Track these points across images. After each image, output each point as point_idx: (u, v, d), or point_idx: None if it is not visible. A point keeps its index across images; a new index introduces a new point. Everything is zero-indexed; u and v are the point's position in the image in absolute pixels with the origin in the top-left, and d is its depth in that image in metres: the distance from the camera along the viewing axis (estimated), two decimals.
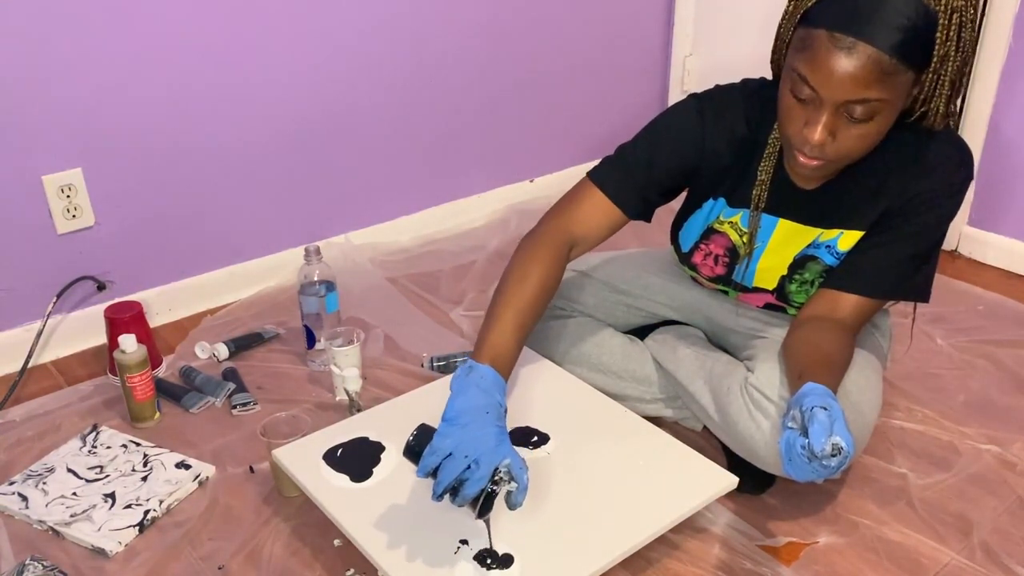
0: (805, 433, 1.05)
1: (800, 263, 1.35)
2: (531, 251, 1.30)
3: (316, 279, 1.68)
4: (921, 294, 1.33)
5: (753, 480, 1.38)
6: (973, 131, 2.11)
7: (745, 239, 1.36)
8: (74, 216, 1.75)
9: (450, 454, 1.04)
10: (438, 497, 1.05)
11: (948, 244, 2.24)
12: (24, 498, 1.38)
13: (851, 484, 1.43)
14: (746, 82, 1.34)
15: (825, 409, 1.05)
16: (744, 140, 1.32)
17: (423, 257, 2.19)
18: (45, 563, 1.26)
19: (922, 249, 1.29)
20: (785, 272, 1.36)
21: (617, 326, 1.59)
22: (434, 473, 1.05)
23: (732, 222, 1.37)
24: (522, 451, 1.32)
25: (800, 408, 1.08)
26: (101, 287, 1.83)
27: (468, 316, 1.93)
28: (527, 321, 1.23)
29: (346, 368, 1.57)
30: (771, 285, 1.38)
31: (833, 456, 1.02)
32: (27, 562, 1.25)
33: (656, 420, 1.46)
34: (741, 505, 1.38)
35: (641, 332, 1.61)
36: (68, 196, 1.73)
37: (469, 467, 1.04)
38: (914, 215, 1.26)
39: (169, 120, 1.81)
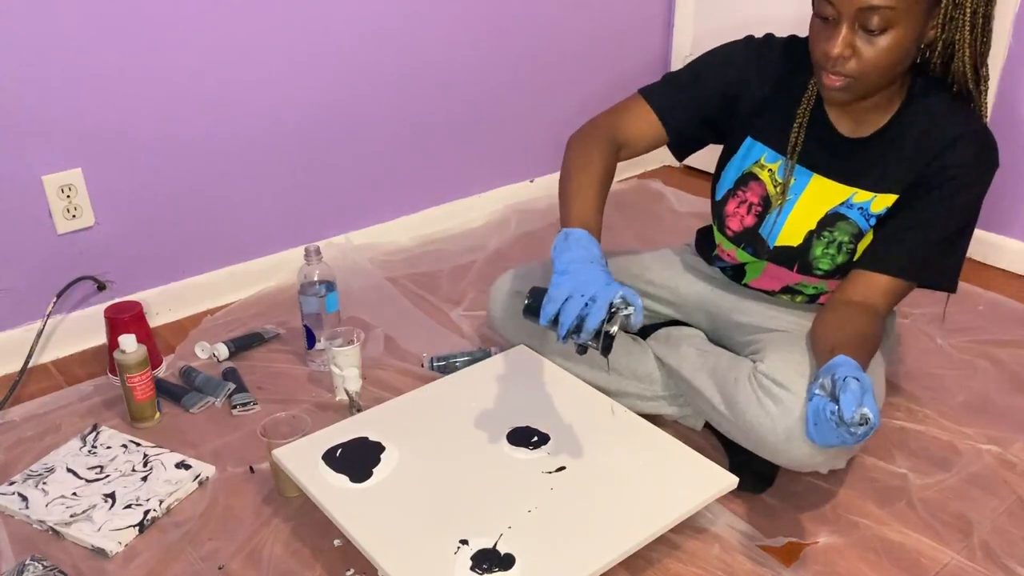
0: (835, 401, 1.07)
1: (831, 220, 1.35)
2: (587, 143, 1.39)
3: (316, 279, 1.69)
4: (949, 283, 1.34)
5: (753, 480, 1.38)
6: None
7: (779, 189, 1.38)
8: (74, 216, 1.75)
9: (568, 297, 1.12)
10: (564, 338, 1.12)
11: None
12: (24, 498, 1.38)
13: (851, 484, 1.43)
14: (794, 36, 1.39)
15: (857, 380, 1.07)
16: (783, 77, 1.37)
17: (423, 257, 2.19)
18: (45, 563, 1.26)
19: (952, 232, 1.30)
20: (813, 227, 1.37)
21: None
22: (555, 322, 1.13)
23: (771, 169, 1.39)
24: (522, 451, 1.33)
25: (832, 376, 1.09)
26: (101, 287, 1.83)
27: (468, 316, 1.93)
28: (601, 198, 1.31)
29: (346, 368, 1.57)
30: (797, 241, 1.38)
31: (860, 425, 1.04)
32: (27, 562, 1.25)
33: (656, 418, 1.46)
34: (741, 505, 1.38)
35: (643, 334, 1.61)
36: (68, 196, 1.73)
37: (587, 304, 1.11)
38: (943, 191, 1.27)
39: (169, 120, 1.81)
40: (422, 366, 1.74)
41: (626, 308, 1.12)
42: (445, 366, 1.71)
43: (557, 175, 2.70)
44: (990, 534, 1.33)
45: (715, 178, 1.49)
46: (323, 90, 2.01)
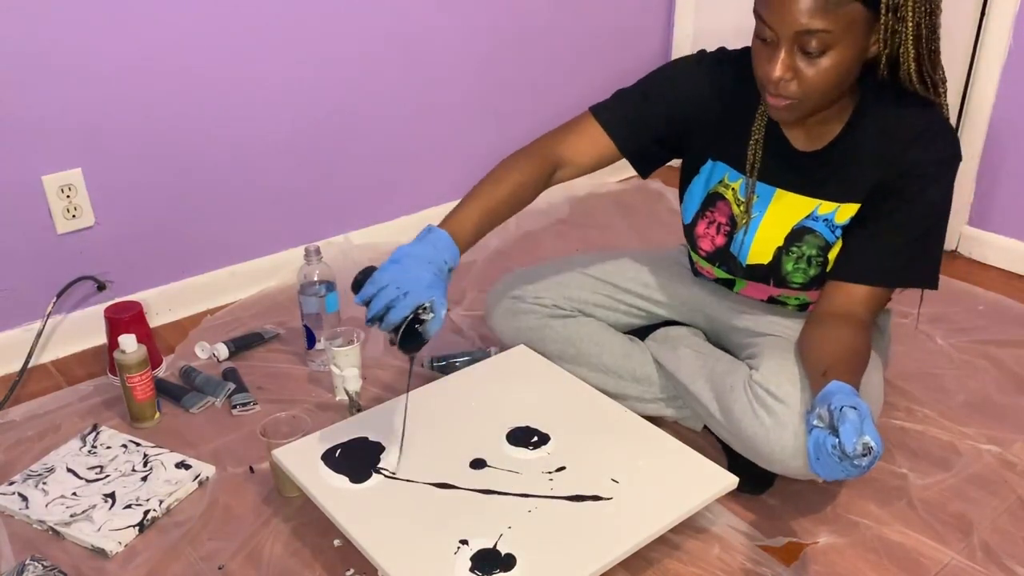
0: (834, 432, 1.05)
1: (797, 235, 1.34)
2: (514, 161, 1.38)
3: (316, 279, 1.69)
4: (929, 280, 1.32)
5: (753, 480, 1.38)
6: (973, 131, 2.11)
7: (742, 208, 1.38)
8: (74, 216, 1.75)
9: (386, 285, 1.14)
10: (368, 321, 1.16)
11: (948, 244, 2.24)
12: (24, 498, 1.38)
13: (851, 484, 1.43)
14: (748, 48, 1.36)
15: (855, 409, 1.05)
16: (736, 95, 1.34)
17: None
18: (45, 563, 1.26)
19: (924, 231, 1.29)
20: (781, 243, 1.36)
21: (617, 327, 1.59)
22: (369, 303, 1.16)
23: (734, 188, 1.38)
24: (522, 451, 1.33)
25: (828, 407, 1.07)
26: (101, 287, 1.83)
27: (468, 316, 1.93)
28: (490, 219, 1.31)
29: (346, 368, 1.57)
30: (767, 258, 1.37)
31: (864, 456, 1.02)
32: (27, 562, 1.25)
33: (656, 420, 1.46)
34: (741, 505, 1.38)
35: (641, 334, 1.61)
36: (68, 196, 1.73)
37: (398, 297, 1.13)
38: (908, 192, 1.26)
39: (169, 120, 1.81)
40: (422, 366, 1.73)
41: (427, 313, 1.15)
42: (445, 366, 1.71)
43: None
44: (990, 534, 1.33)
45: (680, 199, 1.48)
46: (323, 90, 2.01)
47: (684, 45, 2.62)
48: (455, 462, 1.31)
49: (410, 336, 1.16)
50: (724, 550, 1.29)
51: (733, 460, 1.42)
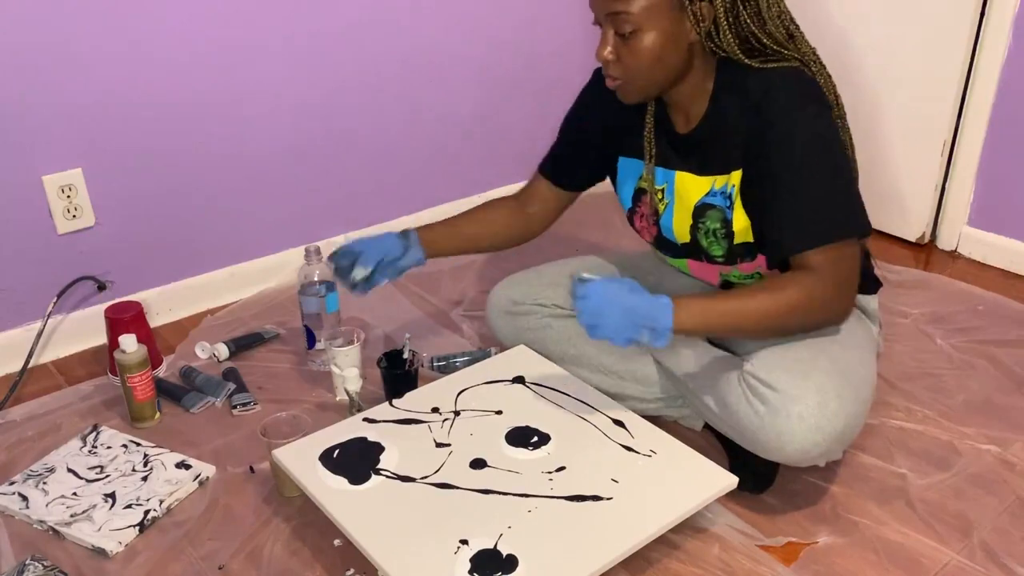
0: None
1: (700, 211, 1.38)
2: (498, 200, 1.61)
3: (316, 279, 1.69)
4: (846, 229, 1.25)
5: (753, 479, 1.38)
6: (973, 131, 2.11)
7: (657, 196, 1.44)
8: (74, 216, 1.75)
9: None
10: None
11: (948, 244, 2.24)
12: (24, 498, 1.38)
13: (851, 484, 1.43)
14: None
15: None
16: None
17: None
18: (45, 563, 1.26)
19: (820, 181, 1.24)
20: (692, 221, 1.40)
21: None
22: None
23: (650, 179, 1.44)
24: (522, 451, 1.33)
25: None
26: (101, 287, 1.83)
27: (468, 316, 1.93)
28: (460, 228, 1.57)
29: (346, 368, 1.57)
30: (686, 237, 1.42)
31: (580, 284, 1.20)
32: (27, 562, 1.25)
33: (656, 419, 1.46)
34: (741, 505, 1.38)
35: None
36: (68, 196, 1.73)
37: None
38: (782, 149, 1.24)
39: (169, 120, 1.81)
40: (422, 366, 1.73)
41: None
42: (445, 366, 1.71)
43: None
44: (990, 534, 1.34)
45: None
46: (323, 90, 2.01)
47: None
48: (455, 462, 1.31)
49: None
50: (724, 550, 1.29)
51: (733, 460, 1.42)
